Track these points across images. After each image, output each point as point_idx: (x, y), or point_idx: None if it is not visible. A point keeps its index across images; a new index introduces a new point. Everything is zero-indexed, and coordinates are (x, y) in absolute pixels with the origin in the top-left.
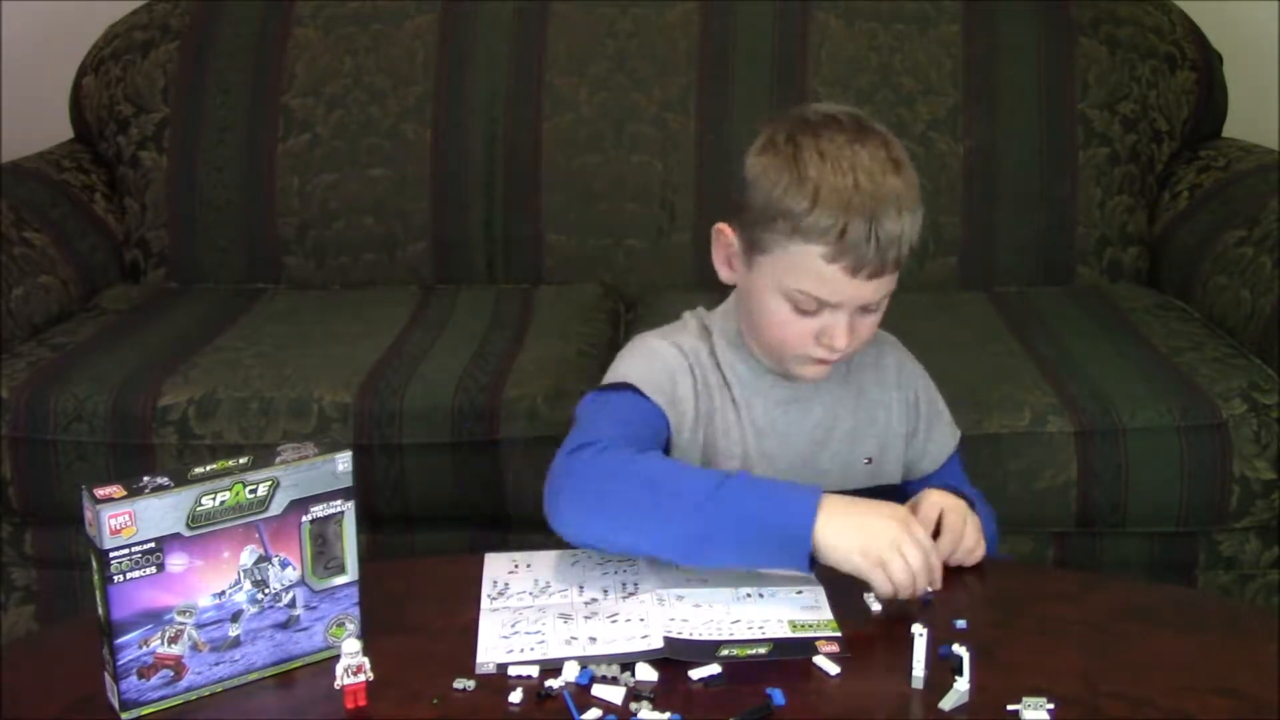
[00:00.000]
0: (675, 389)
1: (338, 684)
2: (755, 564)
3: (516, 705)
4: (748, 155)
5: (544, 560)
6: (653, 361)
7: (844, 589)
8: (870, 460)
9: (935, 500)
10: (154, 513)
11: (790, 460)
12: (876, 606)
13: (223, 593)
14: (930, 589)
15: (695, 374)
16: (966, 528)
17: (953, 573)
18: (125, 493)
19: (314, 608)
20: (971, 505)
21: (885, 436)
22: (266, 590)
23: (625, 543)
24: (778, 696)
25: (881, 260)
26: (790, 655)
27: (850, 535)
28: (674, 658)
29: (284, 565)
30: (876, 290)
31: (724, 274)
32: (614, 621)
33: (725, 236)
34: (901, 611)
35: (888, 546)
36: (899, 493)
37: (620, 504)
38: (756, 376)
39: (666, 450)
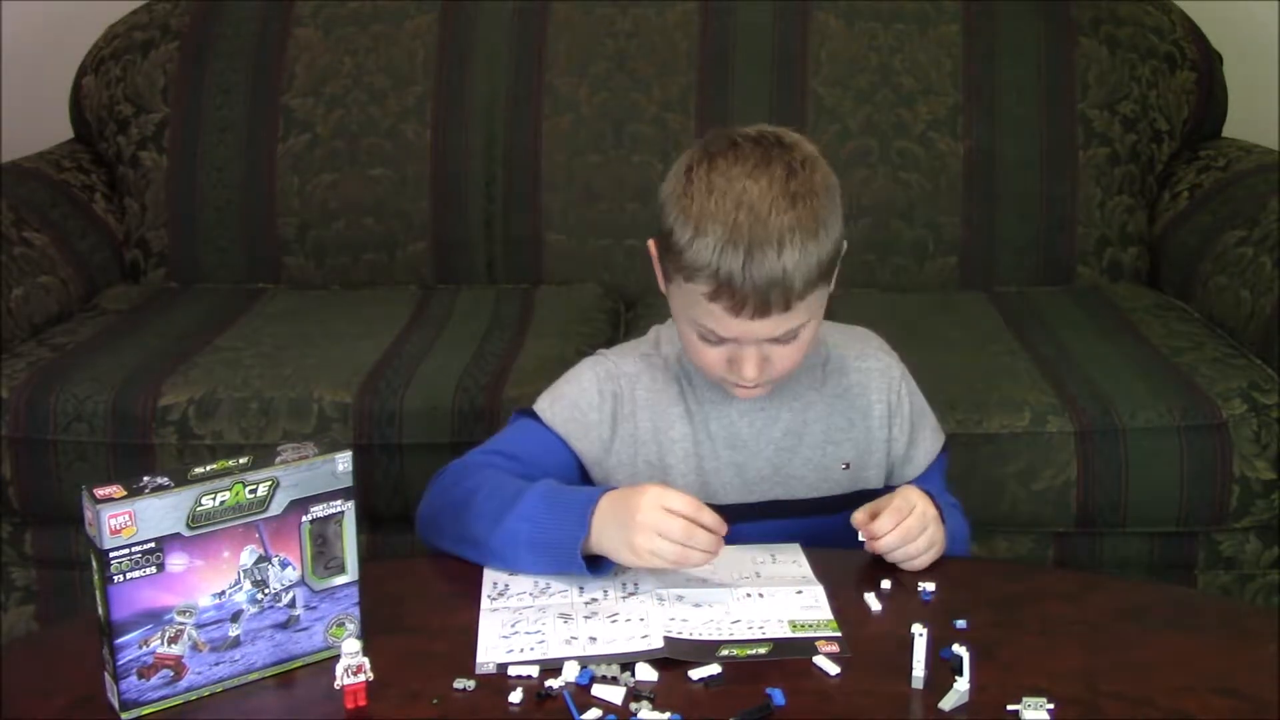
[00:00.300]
0: (585, 417)
1: (338, 684)
2: (551, 573)
3: (516, 705)
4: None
5: None
6: (568, 392)
7: (844, 589)
8: (848, 466)
9: (902, 503)
10: (154, 513)
11: (760, 469)
12: (877, 606)
13: (223, 593)
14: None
15: (619, 400)
16: (920, 538)
17: (953, 573)
18: (125, 493)
19: (314, 608)
20: (941, 513)
21: (866, 441)
22: (266, 590)
23: (457, 552)
24: (778, 696)
25: (762, 300)
26: (790, 655)
27: (616, 537)
28: (674, 658)
29: (284, 565)
30: (775, 327)
31: (662, 287)
32: (614, 621)
33: (652, 254)
34: (901, 611)
35: (647, 535)
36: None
37: (447, 519)
38: (713, 388)
39: (586, 472)
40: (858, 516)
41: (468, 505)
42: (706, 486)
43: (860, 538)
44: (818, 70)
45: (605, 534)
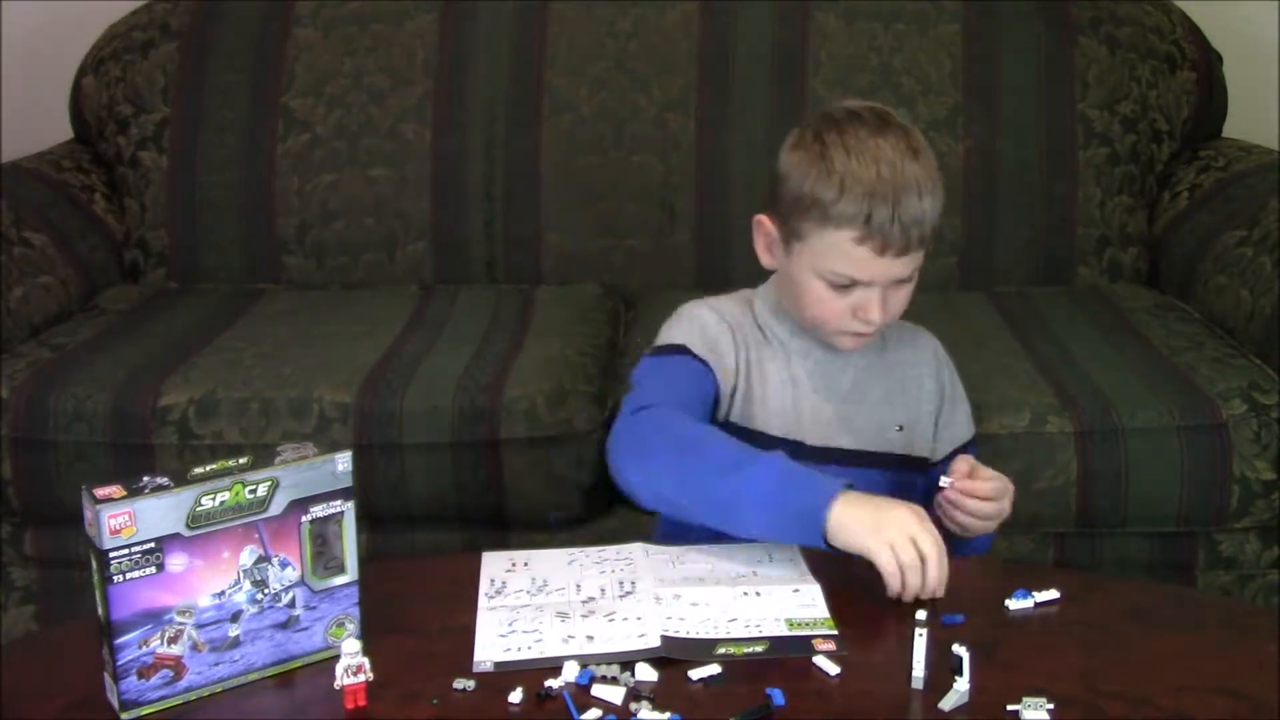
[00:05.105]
0: (718, 344)
1: (338, 684)
2: (773, 536)
3: (516, 705)
4: (780, 153)
5: (541, 559)
6: (694, 324)
7: (842, 587)
8: (902, 428)
9: (995, 473)
10: (154, 513)
11: (828, 415)
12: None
13: (223, 593)
14: (935, 594)
15: (735, 334)
16: (994, 505)
17: (953, 573)
18: (125, 493)
19: (314, 608)
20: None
21: (916, 411)
22: (266, 590)
23: (668, 494)
24: (777, 696)
25: (906, 240)
26: (787, 653)
27: (865, 517)
28: (671, 656)
29: (284, 565)
30: (906, 266)
31: (765, 260)
32: (611, 620)
33: (764, 226)
34: (901, 609)
35: (900, 531)
36: (926, 477)
37: (663, 460)
38: (793, 337)
39: (716, 401)
40: (959, 464)
41: (696, 448)
42: (801, 425)
43: (944, 483)
44: (818, 70)
45: (850, 511)
